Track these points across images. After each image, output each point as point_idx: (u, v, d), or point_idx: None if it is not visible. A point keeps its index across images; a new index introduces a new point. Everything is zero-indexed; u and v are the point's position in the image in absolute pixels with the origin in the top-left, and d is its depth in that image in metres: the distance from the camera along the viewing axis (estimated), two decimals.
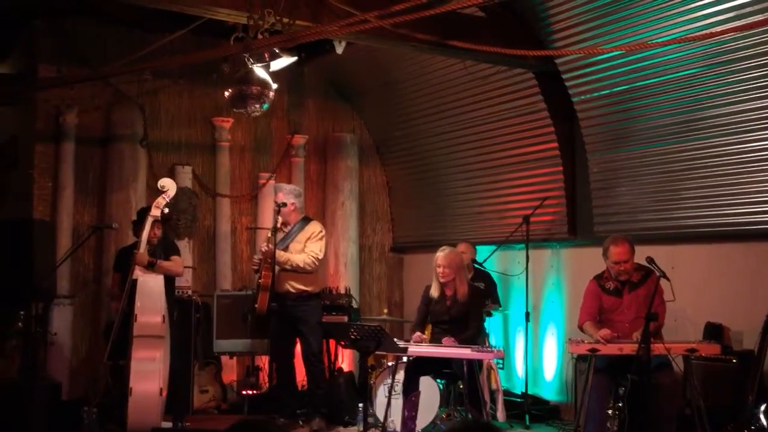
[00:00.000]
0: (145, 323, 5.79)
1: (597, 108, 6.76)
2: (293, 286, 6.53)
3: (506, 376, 7.64)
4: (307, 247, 6.57)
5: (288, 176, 8.70)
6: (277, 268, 6.40)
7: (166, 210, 6.16)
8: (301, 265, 6.49)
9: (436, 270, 5.87)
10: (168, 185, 6.18)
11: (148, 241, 6.18)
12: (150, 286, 5.91)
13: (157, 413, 5.70)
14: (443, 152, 8.43)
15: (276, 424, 5.86)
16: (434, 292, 5.92)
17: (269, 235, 6.35)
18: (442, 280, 5.85)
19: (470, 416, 5.77)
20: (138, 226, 6.29)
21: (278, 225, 6.52)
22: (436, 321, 5.99)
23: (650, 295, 5.15)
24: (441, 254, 5.88)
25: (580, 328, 5.61)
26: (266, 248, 6.36)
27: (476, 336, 5.85)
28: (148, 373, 5.70)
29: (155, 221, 6.15)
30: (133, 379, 5.65)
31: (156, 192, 7.84)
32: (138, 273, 5.94)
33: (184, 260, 7.07)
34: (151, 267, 6.10)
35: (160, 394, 5.70)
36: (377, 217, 9.40)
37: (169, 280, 6.32)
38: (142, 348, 5.75)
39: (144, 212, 6.34)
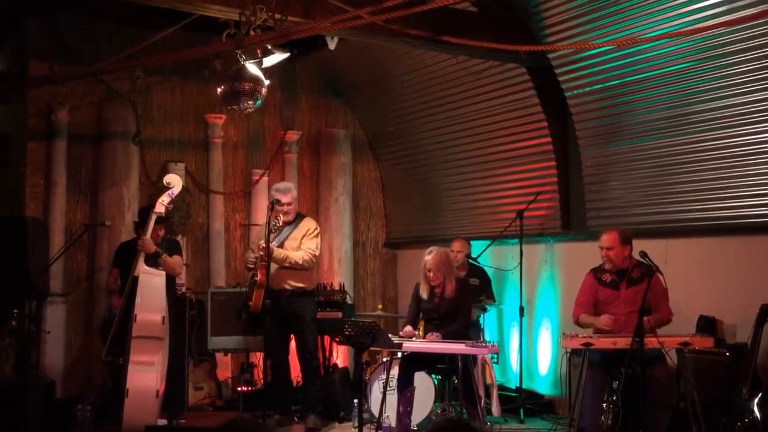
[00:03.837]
0: (145, 322, 5.67)
1: (590, 102, 6.77)
2: (290, 283, 6.51)
3: (501, 370, 7.66)
4: (303, 244, 6.55)
5: (281, 172, 8.69)
6: (273, 265, 6.37)
7: (170, 207, 6.09)
8: (300, 262, 6.47)
9: (425, 273, 5.85)
10: (174, 182, 6.10)
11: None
12: (152, 284, 5.78)
13: (153, 414, 5.66)
14: (436, 147, 8.43)
15: (263, 424, 5.86)
16: (423, 291, 5.91)
17: (273, 232, 6.32)
18: (432, 284, 5.85)
19: (464, 411, 5.78)
20: (140, 226, 6.22)
21: (280, 223, 6.49)
22: (427, 318, 5.99)
23: (644, 291, 5.16)
24: (429, 257, 5.82)
25: (576, 322, 5.62)
26: (263, 245, 6.33)
27: (462, 330, 5.82)
28: (146, 376, 5.61)
29: (159, 219, 6.08)
30: (130, 380, 5.57)
31: (149, 188, 7.90)
32: (140, 269, 5.85)
33: None
34: (156, 257, 6.03)
35: (156, 396, 5.64)
36: (371, 212, 9.40)
37: (170, 281, 6.25)
38: (140, 350, 5.63)
39: (146, 212, 6.28)
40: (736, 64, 5.64)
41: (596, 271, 5.65)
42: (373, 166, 9.41)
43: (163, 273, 5.96)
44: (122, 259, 6.30)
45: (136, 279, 5.77)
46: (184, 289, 7.54)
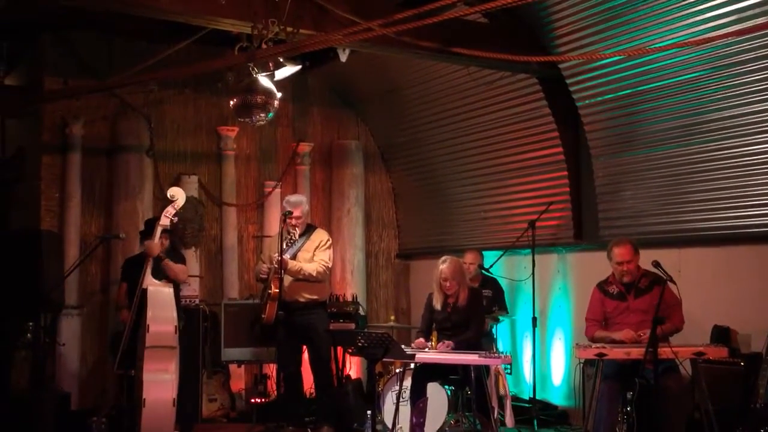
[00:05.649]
0: (158, 333, 5.72)
1: (601, 112, 6.76)
2: (303, 295, 6.53)
3: (514, 381, 7.63)
4: (316, 256, 6.57)
5: (293, 184, 8.72)
6: (287, 277, 6.39)
7: (176, 219, 6.15)
8: (314, 274, 6.49)
9: (440, 283, 5.87)
10: (177, 194, 6.17)
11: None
12: (161, 295, 5.84)
13: (170, 424, 5.69)
14: (448, 158, 8.44)
15: None
16: (437, 301, 5.93)
17: (284, 246, 6.34)
18: (448, 293, 5.86)
19: (478, 422, 5.77)
20: (145, 236, 6.28)
21: (296, 237, 6.51)
22: (440, 327, 6.00)
23: (657, 302, 5.13)
24: (444, 266, 5.86)
25: (592, 339, 5.58)
26: (278, 258, 6.34)
27: (475, 338, 5.82)
28: (162, 384, 5.65)
29: (164, 230, 6.13)
30: (147, 389, 5.60)
31: (163, 201, 7.93)
32: (148, 282, 5.90)
33: (190, 269, 7.08)
34: (158, 261, 6.05)
35: (173, 404, 5.68)
36: (383, 223, 9.41)
37: (176, 290, 6.30)
38: (155, 359, 5.68)
39: (151, 222, 6.33)
40: (747, 73, 5.62)
41: (602, 284, 5.65)
42: (385, 177, 9.43)
43: (171, 285, 6.02)
44: (130, 273, 6.34)
45: (144, 291, 5.82)
46: (197, 301, 7.57)
